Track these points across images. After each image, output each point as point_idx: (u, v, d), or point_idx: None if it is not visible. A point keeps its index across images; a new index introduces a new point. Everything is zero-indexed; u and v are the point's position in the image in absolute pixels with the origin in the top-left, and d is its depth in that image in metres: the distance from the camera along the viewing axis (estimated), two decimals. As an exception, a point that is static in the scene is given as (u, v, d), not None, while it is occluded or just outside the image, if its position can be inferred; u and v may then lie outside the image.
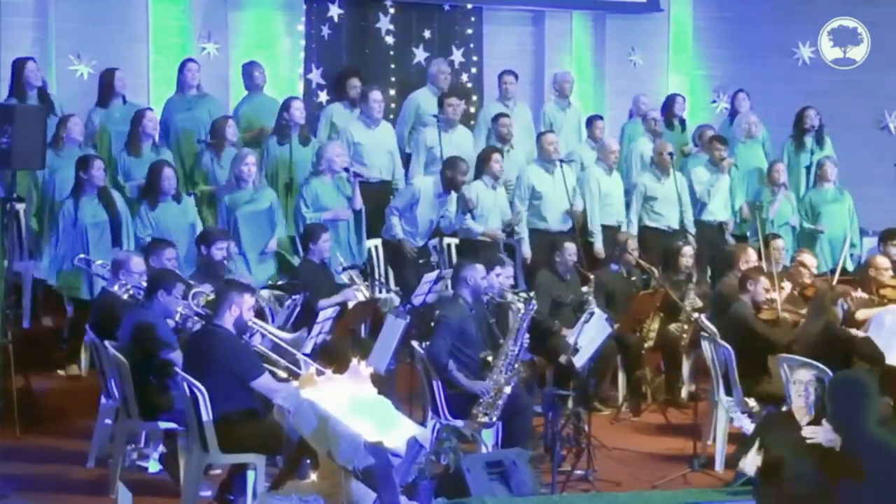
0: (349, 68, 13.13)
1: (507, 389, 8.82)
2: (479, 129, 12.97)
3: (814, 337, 9.36)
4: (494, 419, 8.79)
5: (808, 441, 6.61)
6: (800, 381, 6.99)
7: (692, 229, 12.55)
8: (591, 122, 13.26)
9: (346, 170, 11.33)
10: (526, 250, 12.05)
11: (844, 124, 14.22)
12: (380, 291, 10.76)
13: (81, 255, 10.32)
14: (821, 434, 6.62)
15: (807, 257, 11.08)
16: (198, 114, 12.00)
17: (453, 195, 11.65)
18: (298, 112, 11.82)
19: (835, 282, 10.70)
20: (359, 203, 11.39)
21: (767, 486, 6.87)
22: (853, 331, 9.54)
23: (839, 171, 13.08)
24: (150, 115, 11.42)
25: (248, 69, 12.49)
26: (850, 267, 12.20)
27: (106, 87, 11.76)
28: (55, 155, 10.87)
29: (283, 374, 8.06)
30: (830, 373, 7.54)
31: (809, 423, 6.86)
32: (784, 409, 7.18)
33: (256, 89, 12.44)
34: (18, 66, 11.38)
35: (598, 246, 12.26)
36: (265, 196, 11.14)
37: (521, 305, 9.26)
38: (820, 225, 12.86)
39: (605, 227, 12.34)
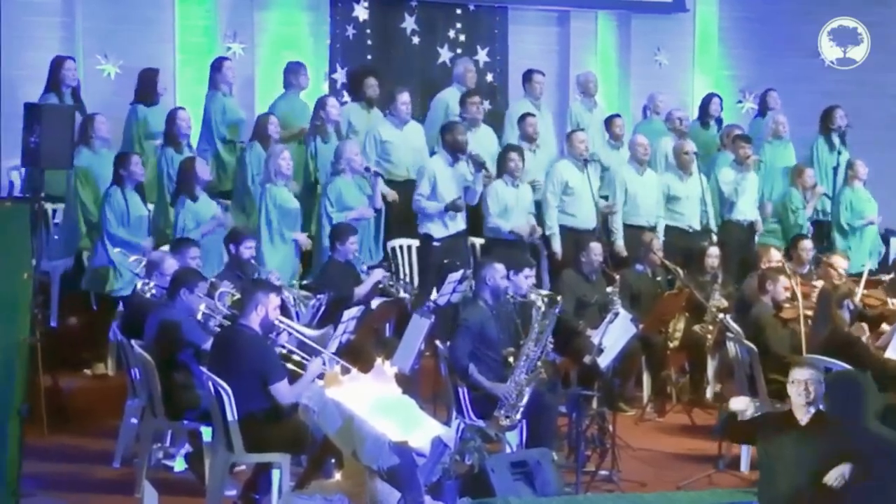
0: (366, 68, 13.13)
1: (528, 391, 8.82)
2: (510, 129, 12.92)
3: (822, 340, 9.36)
4: (516, 420, 8.79)
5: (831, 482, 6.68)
6: (799, 381, 7.02)
7: (715, 229, 12.52)
8: (609, 120, 13.22)
9: (367, 169, 11.37)
10: (557, 246, 12.03)
11: (869, 125, 14.17)
12: (404, 292, 10.77)
13: (117, 250, 10.35)
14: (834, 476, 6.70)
15: (836, 259, 11.05)
16: (233, 114, 12.05)
17: (461, 163, 11.67)
18: (335, 110, 11.91)
19: (862, 283, 10.68)
20: (379, 202, 11.42)
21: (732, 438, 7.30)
22: (861, 331, 9.54)
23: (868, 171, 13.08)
24: (182, 115, 11.47)
25: (295, 68, 12.44)
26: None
27: (149, 87, 11.79)
28: (92, 153, 10.92)
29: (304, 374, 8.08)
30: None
31: (808, 424, 6.92)
32: (782, 407, 7.21)
33: (296, 90, 12.43)
34: (56, 64, 11.44)
35: (619, 244, 12.23)
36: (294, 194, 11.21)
37: (542, 304, 9.24)
38: (867, 218, 12.82)
39: (632, 227, 12.29)
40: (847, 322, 9.58)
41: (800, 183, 12.81)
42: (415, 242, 11.96)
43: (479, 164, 11.74)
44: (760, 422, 7.40)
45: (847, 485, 6.66)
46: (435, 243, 11.66)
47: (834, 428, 6.80)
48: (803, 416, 7.00)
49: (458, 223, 11.74)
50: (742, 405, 7.27)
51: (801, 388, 7.00)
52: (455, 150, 11.68)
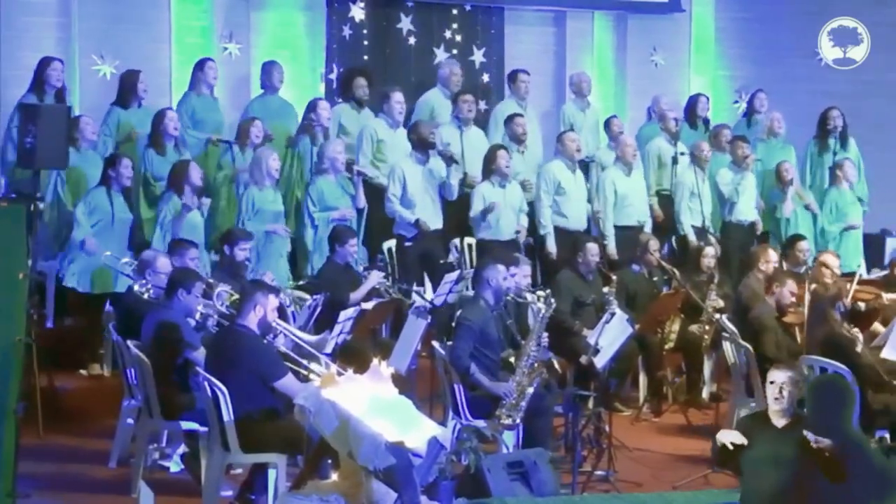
0: (355, 68, 13.12)
1: (530, 390, 8.85)
2: (494, 128, 12.95)
3: (818, 342, 9.36)
4: (518, 420, 8.80)
5: (815, 446, 6.66)
6: (775, 383, 7.02)
7: (713, 229, 12.54)
8: (608, 122, 13.22)
9: (350, 168, 11.37)
10: (551, 245, 12.04)
11: (868, 125, 14.18)
12: (399, 292, 10.77)
13: (108, 252, 10.35)
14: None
15: (828, 258, 11.06)
16: (212, 114, 12.05)
17: (433, 158, 11.69)
18: (325, 112, 11.92)
19: (855, 282, 10.68)
20: (362, 201, 11.43)
21: (723, 465, 7.27)
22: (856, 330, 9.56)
23: (865, 172, 13.07)
24: (171, 115, 11.45)
25: (268, 69, 12.47)
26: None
27: (128, 89, 11.75)
28: (78, 154, 10.93)
29: (305, 374, 8.08)
30: (807, 374, 7.62)
31: (786, 426, 6.93)
32: (762, 408, 7.23)
33: (272, 90, 12.44)
34: (42, 64, 11.42)
35: (611, 247, 12.24)
36: (280, 197, 11.23)
37: (542, 305, 9.26)
38: (848, 222, 12.83)
39: (624, 228, 12.32)
40: (840, 323, 9.59)
41: (778, 179, 12.84)
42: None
43: (448, 159, 11.72)
44: (740, 428, 7.35)
45: (823, 488, 6.67)
46: (407, 244, 11.64)
47: (811, 431, 6.80)
48: (779, 419, 7.01)
49: (434, 222, 11.70)
50: (730, 437, 7.22)
51: (776, 390, 7.01)
52: (423, 147, 11.65)
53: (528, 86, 13.14)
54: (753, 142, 13.37)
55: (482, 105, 13.46)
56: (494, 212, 11.66)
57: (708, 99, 13.96)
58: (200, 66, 12.16)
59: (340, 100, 13.20)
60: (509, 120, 12.57)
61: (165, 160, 11.22)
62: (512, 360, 9.11)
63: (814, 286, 10.26)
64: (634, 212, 12.44)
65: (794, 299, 9.86)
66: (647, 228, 12.35)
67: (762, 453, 6.92)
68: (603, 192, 12.36)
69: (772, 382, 7.06)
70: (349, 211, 11.34)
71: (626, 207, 12.41)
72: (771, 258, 10.96)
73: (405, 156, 11.76)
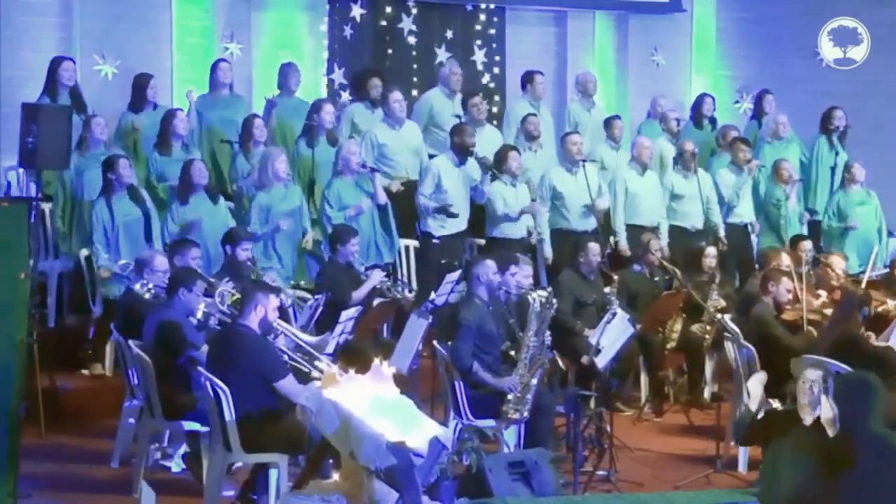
0: (370, 68, 13.16)
1: (534, 381, 8.86)
2: (508, 129, 12.95)
3: (834, 339, 9.33)
4: (525, 414, 8.82)
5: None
6: (807, 380, 7.03)
7: (721, 230, 12.52)
8: (609, 122, 13.22)
9: (364, 166, 11.37)
10: (547, 250, 12.04)
11: (869, 125, 14.17)
12: (402, 291, 10.77)
13: (105, 256, 10.36)
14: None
15: (834, 259, 11.04)
16: (231, 114, 12.05)
17: (470, 161, 11.73)
18: (329, 115, 11.91)
19: (864, 284, 10.66)
20: (382, 197, 11.41)
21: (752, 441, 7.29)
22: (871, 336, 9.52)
23: (865, 172, 13.08)
24: (180, 116, 11.46)
25: (286, 70, 12.49)
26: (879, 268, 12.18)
27: (139, 93, 11.75)
28: (80, 156, 10.93)
29: (308, 373, 8.08)
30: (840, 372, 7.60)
31: (813, 423, 6.93)
32: (785, 406, 7.22)
33: (289, 91, 12.46)
34: (54, 64, 11.44)
35: (623, 244, 12.23)
36: (295, 193, 11.21)
37: (536, 296, 9.23)
38: (850, 223, 12.82)
39: (633, 227, 12.28)
40: (860, 326, 9.57)
41: (778, 177, 12.82)
42: (413, 243, 11.96)
43: (486, 167, 11.77)
44: (768, 420, 7.38)
45: (847, 488, 6.67)
46: (434, 241, 11.66)
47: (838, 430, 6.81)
48: (808, 417, 7.01)
49: (459, 223, 11.74)
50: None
51: (807, 388, 7.01)
52: (462, 152, 11.70)
53: (544, 87, 13.16)
54: (761, 144, 13.34)
55: (484, 105, 13.44)
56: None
57: (713, 99, 13.95)
58: (214, 68, 12.19)
59: (348, 99, 13.22)
60: (523, 120, 12.62)
61: (171, 161, 11.22)
62: (512, 353, 9.11)
63: (842, 285, 10.26)
64: (644, 211, 12.38)
65: (790, 297, 9.85)
66: (663, 230, 12.31)
67: (786, 451, 6.93)
68: (613, 191, 12.36)
69: (803, 381, 7.06)
70: (364, 202, 11.32)
71: (637, 207, 12.37)
72: (784, 261, 10.87)
73: (441, 156, 11.86)
